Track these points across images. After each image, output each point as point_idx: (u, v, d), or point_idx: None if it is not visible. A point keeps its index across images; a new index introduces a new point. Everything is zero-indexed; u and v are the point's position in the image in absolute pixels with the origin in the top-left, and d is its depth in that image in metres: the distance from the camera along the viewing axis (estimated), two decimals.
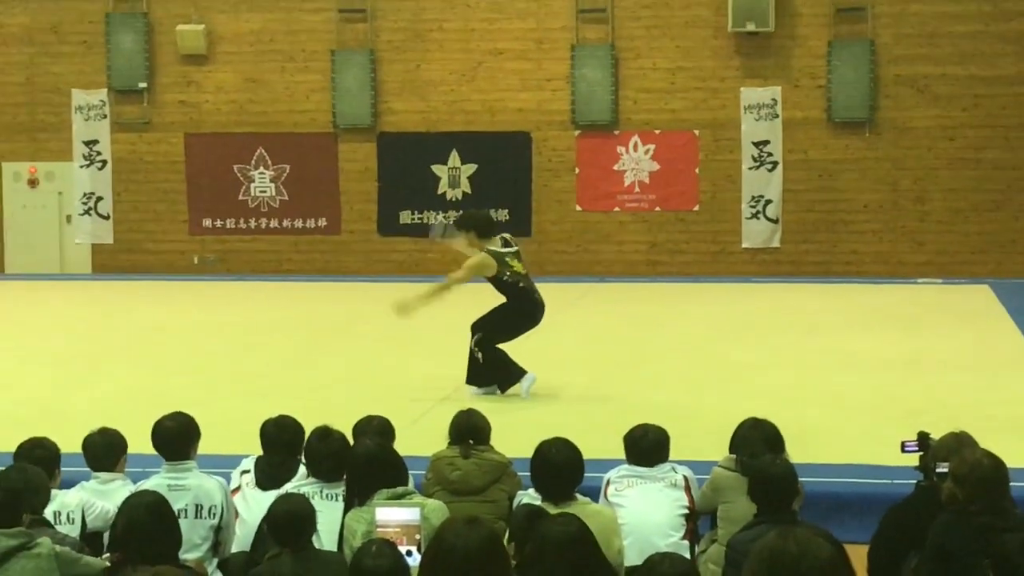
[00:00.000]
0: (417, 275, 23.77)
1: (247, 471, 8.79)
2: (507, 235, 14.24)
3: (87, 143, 24.74)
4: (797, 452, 8.31)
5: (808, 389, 13.89)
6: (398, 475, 7.65)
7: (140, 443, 8.78)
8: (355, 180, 24.42)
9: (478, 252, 13.82)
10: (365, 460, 7.65)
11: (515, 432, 9.77)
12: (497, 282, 13.90)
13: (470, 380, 13.81)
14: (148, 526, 6.46)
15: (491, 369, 13.79)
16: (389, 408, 11.38)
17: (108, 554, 7.06)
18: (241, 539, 8.33)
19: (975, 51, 23.01)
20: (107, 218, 24.83)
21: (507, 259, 13.88)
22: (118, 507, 7.08)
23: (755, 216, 23.67)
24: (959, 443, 7.51)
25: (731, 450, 8.41)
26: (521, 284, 13.95)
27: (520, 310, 14.00)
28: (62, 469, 8.30)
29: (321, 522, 7.59)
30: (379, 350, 16.37)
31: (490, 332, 13.92)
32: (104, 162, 24.73)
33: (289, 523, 6.95)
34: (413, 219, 24.38)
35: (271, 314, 19.60)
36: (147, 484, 8.03)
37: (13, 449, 8.17)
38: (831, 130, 23.48)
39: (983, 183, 23.19)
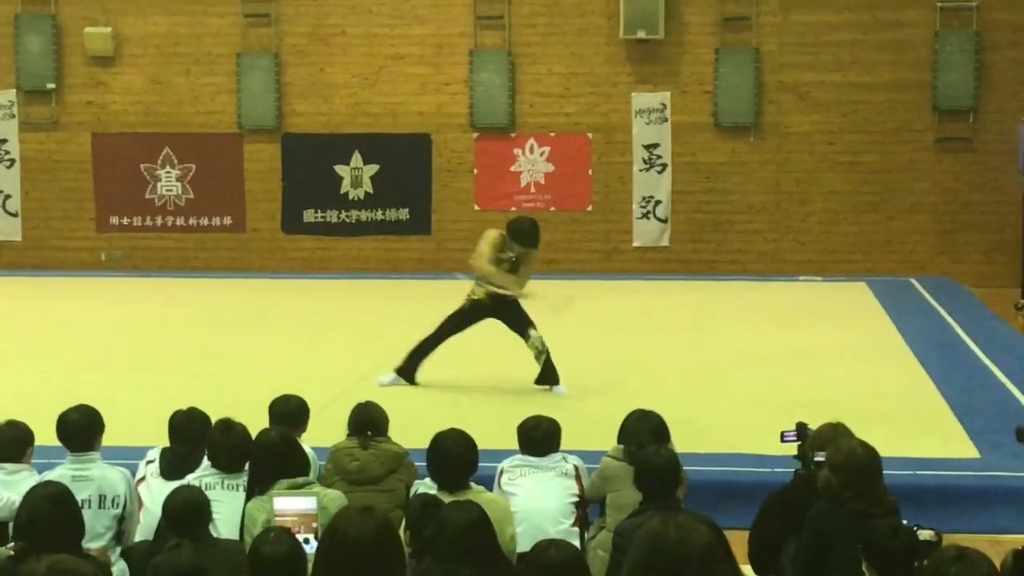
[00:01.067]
0: (319, 272, 23.72)
1: (152, 461, 8.75)
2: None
3: None
4: (683, 442, 8.39)
5: (695, 383, 14.00)
6: (300, 466, 7.63)
7: (44, 435, 8.70)
8: (260, 180, 24.26)
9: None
10: (267, 450, 7.62)
11: (411, 424, 9.77)
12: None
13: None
14: (51, 516, 6.41)
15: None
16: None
17: (12, 544, 6.98)
18: (145, 528, 8.27)
19: (853, 59, 23.26)
20: (15, 215, 24.50)
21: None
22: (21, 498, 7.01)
23: (645, 216, 23.79)
24: (835, 433, 7.61)
25: (619, 440, 8.48)
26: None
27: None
28: None
29: (222, 512, 7.57)
30: (282, 345, 16.30)
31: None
32: (13, 161, 24.40)
33: (184, 513, 6.93)
34: (316, 217, 24.27)
35: (178, 310, 19.45)
36: (51, 475, 7.96)
37: None
38: (718, 134, 23.64)
39: (861, 185, 23.44)
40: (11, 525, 7.80)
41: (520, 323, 13.92)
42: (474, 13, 23.76)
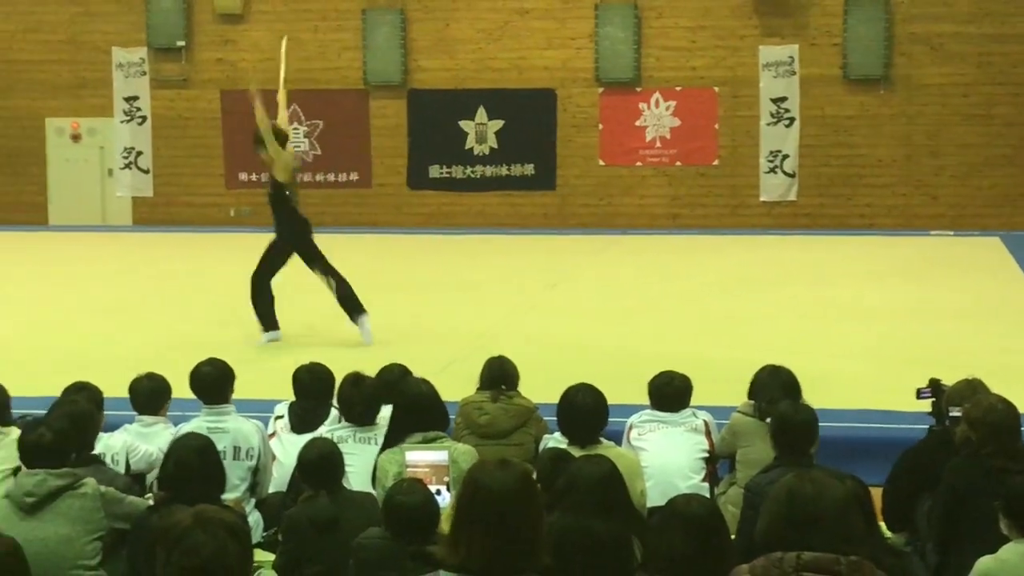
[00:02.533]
0: (445, 227, 23.81)
1: (281, 416, 8.86)
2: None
3: (127, 99, 24.74)
4: (812, 398, 8.30)
5: (823, 338, 13.87)
6: (441, 420, 7.66)
7: (178, 388, 8.82)
8: (386, 136, 24.39)
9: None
10: (415, 400, 7.63)
11: (541, 379, 9.78)
12: (279, 192, 14.02)
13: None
14: (196, 468, 6.50)
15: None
16: (420, 354, 11.46)
17: (154, 493, 7.10)
18: (277, 480, 8.38)
19: (987, 10, 22.83)
20: (147, 172, 24.85)
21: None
22: (166, 448, 7.12)
23: (773, 171, 23.59)
24: (972, 389, 7.51)
25: (750, 396, 8.43)
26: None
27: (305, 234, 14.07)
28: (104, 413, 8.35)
29: (354, 464, 7.63)
30: (410, 299, 16.38)
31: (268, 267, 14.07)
32: (144, 118, 24.73)
33: (320, 466, 6.99)
34: (441, 173, 24.35)
35: (302, 265, 19.58)
36: (187, 427, 8.07)
37: (59, 394, 8.20)
38: (847, 87, 23.36)
39: (995, 139, 23.05)
40: (148, 476, 7.99)
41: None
42: None
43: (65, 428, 7.01)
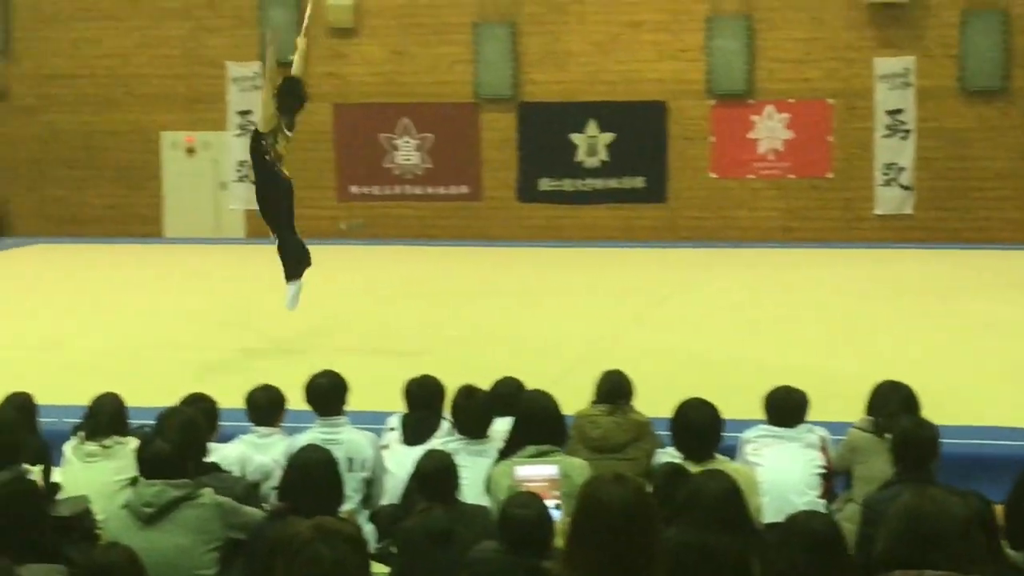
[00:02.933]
0: (555, 240, 23.81)
1: (393, 428, 8.89)
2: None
3: (241, 113, 25.00)
4: (932, 414, 8.19)
5: (942, 353, 13.70)
6: (560, 433, 7.66)
7: (294, 399, 8.89)
8: (496, 148, 24.45)
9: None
10: (538, 411, 7.63)
11: (653, 392, 9.73)
12: (257, 147, 13.80)
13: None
14: (319, 480, 6.54)
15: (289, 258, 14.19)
16: (529, 367, 11.44)
17: (270, 503, 7.16)
18: (389, 492, 8.41)
19: None
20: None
21: (279, 136, 13.73)
22: (287, 460, 7.17)
23: (888, 183, 23.36)
24: None
25: (868, 412, 8.34)
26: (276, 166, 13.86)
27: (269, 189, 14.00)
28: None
29: (467, 477, 7.63)
30: (519, 312, 16.40)
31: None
32: None
33: (437, 478, 7.01)
34: (552, 186, 24.37)
35: (415, 277, 19.73)
36: (303, 438, 8.12)
37: (176, 404, 8.28)
38: (964, 99, 23.08)
39: None
40: (263, 486, 8.05)
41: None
42: None
43: (182, 440, 7.08)
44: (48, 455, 8.26)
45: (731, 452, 8.24)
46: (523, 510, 6.03)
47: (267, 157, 13.78)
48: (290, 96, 13.82)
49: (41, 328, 15.53)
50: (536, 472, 7.23)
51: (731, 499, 5.94)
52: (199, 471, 7.19)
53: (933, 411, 8.30)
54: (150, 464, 6.85)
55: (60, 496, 7.65)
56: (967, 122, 23.03)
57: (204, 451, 7.72)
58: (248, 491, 7.46)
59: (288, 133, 13.87)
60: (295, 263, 14.21)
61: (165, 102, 25.11)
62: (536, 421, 7.58)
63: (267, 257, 21.99)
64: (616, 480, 4.91)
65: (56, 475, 8.10)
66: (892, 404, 8.11)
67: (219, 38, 24.90)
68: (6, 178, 25.66)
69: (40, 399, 8.73)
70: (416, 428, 8.73)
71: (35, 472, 7.35)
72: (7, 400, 8.37)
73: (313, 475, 6.56)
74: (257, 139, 13.90)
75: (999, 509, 7.16)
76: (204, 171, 25.21)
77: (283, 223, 14.20)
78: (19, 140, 25.54)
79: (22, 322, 15.97)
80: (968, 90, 22.95)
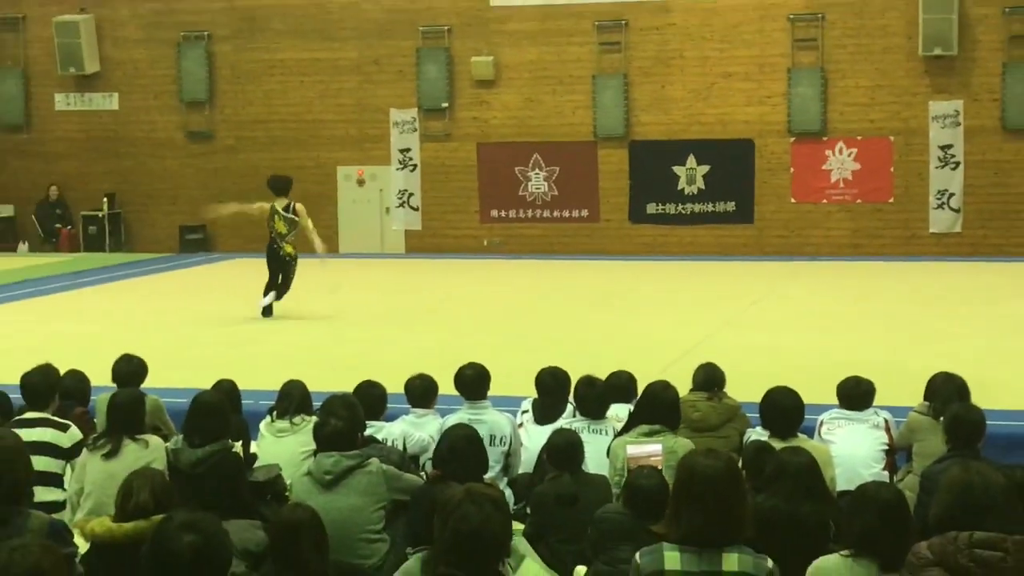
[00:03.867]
0: (661, 255, 23.72)
1: (526, 411, 8.91)
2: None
3: (402, 151, 25.21)
4: (980, 400, 8.04)
5: (989, 349, 13.43)
6: (674, 417, 7.64)
7: (444, 386, 8.94)
8: (611, 179, 24.40)
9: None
10: (654, 397, 7.61)
11: (745, 381, 9.66)
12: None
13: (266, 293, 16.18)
14: (465, 451, 6.58)
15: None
16: (640, 361, 11.43)
17: (427, 471, 7.20)
18: (524, 463, 8.43)
19: None
20: (417, 210, 25.28)
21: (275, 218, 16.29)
22: (438, 434, 7.21)
23: (941, 207, 22.96)
24: None
25: (926, 398, 8.24)
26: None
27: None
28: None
29: (589, 451, 7.65)
30: (630, 315, 16.36)
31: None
32: (415, 166, 25.18)
33: (565, 451, 7.02)
34: (657, 210, 24.26)
35: (544, 287, 19.75)
36: (453, 418, 8.17)
37: (351, 389, 8.36)
38: (1005, 136, 22.64)
39: None
40: (422, 458, 8.10)
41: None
42: (792, 37, 23.36)
43: (354, 417, 7.15)
44: (247, 431, 8.41)
45: (810, 432, 8.15)
46: (647, 480, 6.03)
47: (271, 234, 16.37)
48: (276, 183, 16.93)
49: (241, 328, 15.76)
50: (643, 451, 7.21)
51: (811, 471, 5.89)
52: (362, 443, 7.25)
53: (981, 398, 8.16)
54: (328, 439, 6.92)
55: (256, 465, 7.78)
56: (1007, 155, 22.58)
57: (363, 427, 7.77)
58: (402, 459, 7.51)
59: (284, 214, 16.40)
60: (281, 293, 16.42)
61: (339, 142, 25.39)
62: (652, 406, 7.57)
63: (425, 268, 22.23)
64: (709, 453, 4.90)
65: (253, 447, 8.24)
66: (946, 392, 8.00)
67: (384, 89, 25.12)
68: (212, 205, 26.03)
69: (241, 385, 8.87)
70: (546, 411, 8.75)
71: (236, 446, 7.47)
72: (215, 385, 8.52)
73: (460, 447, 6.59)
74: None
75: None
76: (372, 199, 25.44)
77: (270, 280, 16.36)
78: (223, 174, 25.97)
79: (226, 323, 16.22)
80: (1008, 128, 22.51)
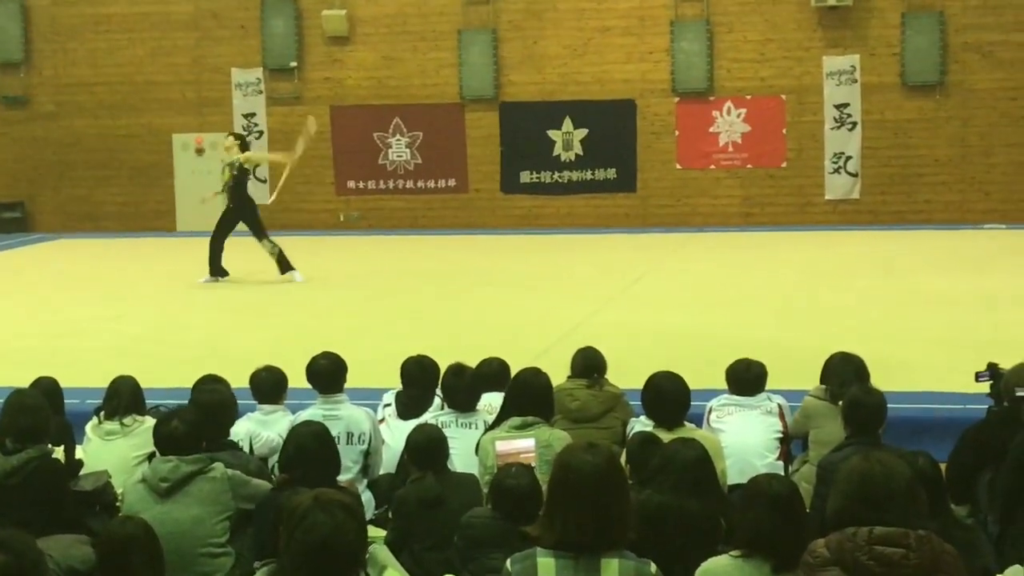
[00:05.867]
0: (536, 228, 23.79)
1: (388, 404, 8.84)
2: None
3: (246, 116, 24.92)
4: (880, 382, 8.18)
5: (890, 325, 13.69)
6: (547, 408, 7.64)
7: (296, 378, 8.84)
8: (480, 145, 24.41)
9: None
10: (527, 389, 7.60)
11: (626, 366, 9.71)
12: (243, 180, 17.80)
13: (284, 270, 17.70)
14: (314, 452, 6.50)
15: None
16: (513, 346, 11.44)
17: (275, 475, 7.11)
18: (386, 463, 8.37)
19: None
20: (264, 182, 24.98)
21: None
22: (285, 434, 7.13)
23: (837, 171, 23.37)
24: None
25: (822, 381, 8.34)
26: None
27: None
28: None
29: (457, 448, 7.62)
30: (502, 295, 16.37)
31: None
32: (261, 132, 24.91)
33: (427, 449, 6.98)
34: (532, 178, 24.34)
35: (408, 264, 19.70)
36: (304, 414, 8.08)
37: (190, 385, 8.22)
38: (905, 93, 23.10)
39: None
40: (270, 460, 8.00)
41: (258, 228, 17.82)
42: None
43: (196, 419, 7.02)
44: (71, 434, 8.22)
45: (698, 420, 8.22)
46: (516, 480, 6.01)
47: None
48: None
49: (63, 317, 15.45)
50: (513, 446, 7.20)
51: (701, 465, 5.93)
52: (218, 448, 7.13)
53: (881, 379, 8.30)
54: (165, 443, 6.81)
55: (82, 472, 7.62)
56: (908, 114, 23.05)
57: (227, 428, 7.64)
58: (261, 468, 7.41)
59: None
60: (285, 259, 17.89)
61: (175, 107, 25.02)
62: (524, 395, 7.56)
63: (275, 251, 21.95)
64: (587, 448, 4.89)
65: (78, 452, 8.06)
66: (843, 373, 8.10)
67: (224, 47, 24.83)
68: (29, 179, 25.55)
69: (63, 382, 8.67)
70: (410, 404, 8.69)
71: (58, 451, 7.31)
72: (34, 384, 8.32)
73: (308, 447, 6.52)
74: (244, 173, 17.87)
75: (943, 468, 7.16)
76: (213, 170, 25.03)
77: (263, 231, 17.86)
78: (41, 143, 25.43)
79: (46, 312, 15.90)
80: (908, 85, 22.97)
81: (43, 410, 7.20)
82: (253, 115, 24.91)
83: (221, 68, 24.87)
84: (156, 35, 24.97)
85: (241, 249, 19.38)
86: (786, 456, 8.34)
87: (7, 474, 6.76)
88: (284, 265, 17.75)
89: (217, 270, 17.75)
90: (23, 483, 6.70)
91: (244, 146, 18.15)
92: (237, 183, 17.76)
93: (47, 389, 8.20)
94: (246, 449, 8.05)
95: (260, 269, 18.97)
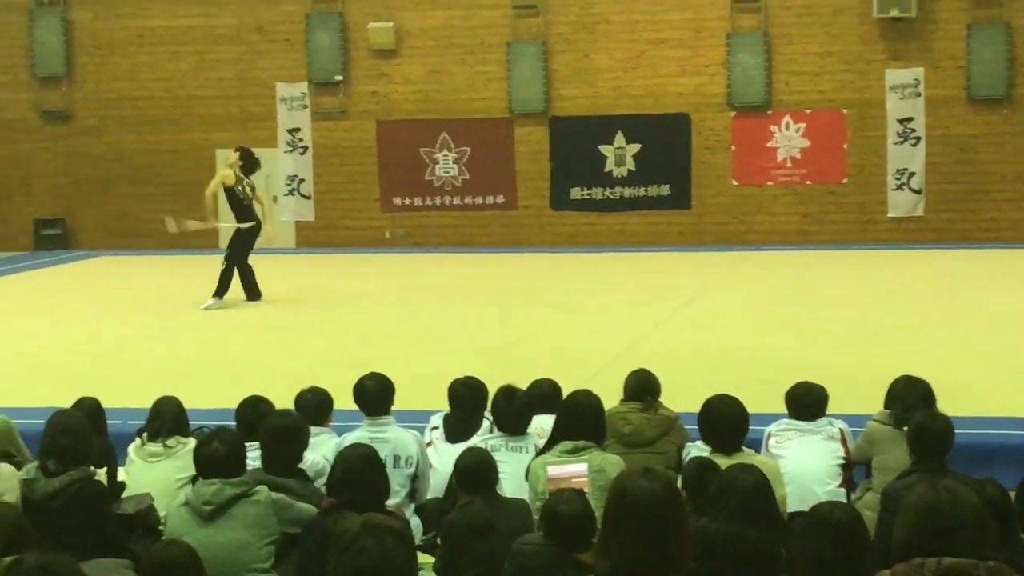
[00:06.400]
0: (587, 246, 23.77)
1: (436, 427, 8.85)
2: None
3: (290, 131, 25.05)
4: (945, 405, 8.12)
5: (957, 347, 13.58)
6: (600, 430, 7.62)
7: (341, 400, 8.86)
8: (529, 160, 24.43)
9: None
10: (577, 410, 7.58)
11: (682, 389, 9.69)
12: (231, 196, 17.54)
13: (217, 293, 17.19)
14: (362, 475, 6.50)
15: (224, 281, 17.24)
16: (564, 367, 11.42)
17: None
18: (434, 487, 8.38)
19: None
20: (309, 198, 25.13)
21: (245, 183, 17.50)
22: (331, 457, 7.13)
23: (900, 188, 23.25)
24: None
25: (886, 405, 8.29)
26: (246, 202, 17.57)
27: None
28: None
29: (507, 472, 7.61)
30: (553, 315, 16.35)
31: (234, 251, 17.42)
32: (305, 148, 25.03)
33: (476, 473, 6.97)
34: (582, 195, 24.33)
35: (456, 283, 19.72)
36: (351, 437, 8.10)
37: (234, 406, 8.26)
38: (970, 107, 22.96)
39: None
40: (317, 483, 8.00)
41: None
42: None
43: (237, 440, 7.05)
44: (114, 456, 8.28)
45: (756, 445, 8.19)
46: (569, 506, 5.99)
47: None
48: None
49: (105, 336, 15.57)
50: (565, 471, 7.19)
51: (760, 491, 5.89)
52: (288, 476, 7.10)
53: (947, 403, 8.24)
54: (208, 465, 6.83)
55: (124, 495, 7.67)
56: (974, 129, 22.91)
57: (297, 458, 7.44)
58: (320, 497, 7.37)
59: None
60: (225, 285, 17.45)
61: (218, 121, 25.16)
62: (575, 419, 7.55)
63: (317, 267, 22.09)
64: (645, 474, 4.87)
65: (121, 475, 8.12)
66: (909, 397, 8.06)
67: (269, 61, 24.96)
68: (70, 195, 25.76)
69: (105, 403, 8.73)
70: (459, 426, 8.71)
71: (100, 473, 7.35)
72: (76, 404, 8.38)
73: (357, 471, 6.52)
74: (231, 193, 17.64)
75: (1013, 495, 7.09)
76: (256, 186, 25.14)
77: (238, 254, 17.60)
78: (83, 159, 25.66)
79: (87, 330, 16.01)
80: (974, 98, 22.84)
81: (85, 431, 7.26)
82: (298, 130, 25.04)
83: (265, 82, 25.01)
84: (199, 49, 25.15)
85: (279, 267, 19.49)
86: (848, 483, 8.30)
87: (49, 496, 6.82)
88: (223, 288, 17.42)
89: (253, 292, 17.69)
90: (65, 506, 6.75)
91: (248, 162, 17.98)
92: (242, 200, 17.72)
93: (89, 409, 8.27)
94: None
95: (300, 287, 19.07)
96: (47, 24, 25.46)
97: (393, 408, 8.57)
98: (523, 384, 8.67)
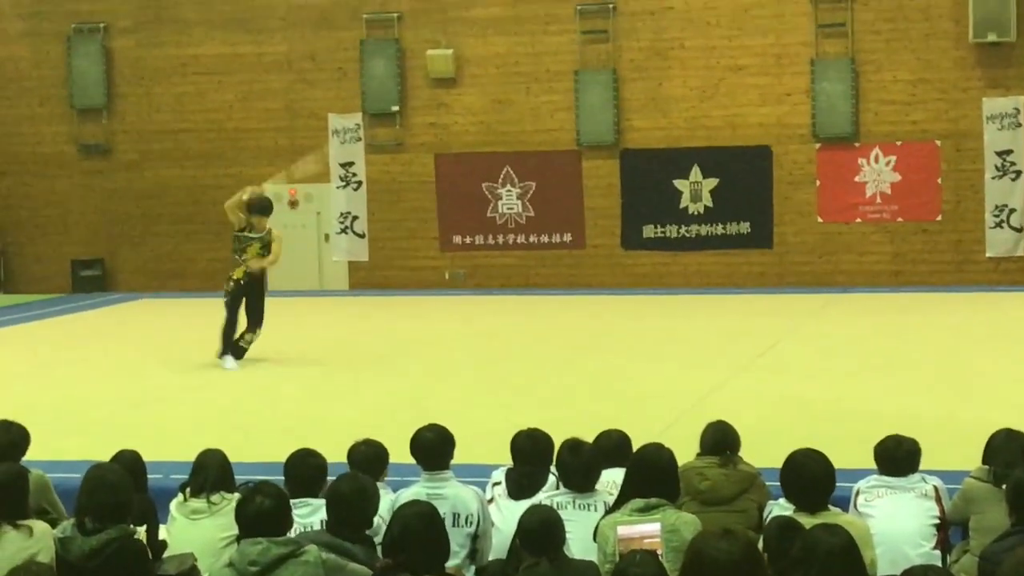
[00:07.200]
0: (660, 288, 23.75)
1: (498, 483, 8.84)
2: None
3: (343, 165, 25.23)
4: None
5: None
6: (673, 487, 7.60)
7: (397, 453, 8.87)
8: (599, 196, 24.47)
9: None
10: (648, 467, 7.56)
11: (763, 442, 9.65)
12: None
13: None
14: (421, 535, 6.49)
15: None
16: (636, 418, 11.41)
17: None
18: (496, 547, 8.36)
19: None
20: (363, 236, 25.27)
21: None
22: (389, 515, 7.13)
23: (999, 225, 23.10)
24: None
25: (984, 461, 8.22)
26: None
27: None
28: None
29: (574, 532, 7.58)
30: (624, 362, 16.34)
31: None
32: (359, 183, 25.19)
33: (541, 533, 6.95)
34: (656, 233, 24.34)
35: (520, 327, 19.74)
36: (408, 493, 8.10)
37: (283, 459, 8.28)
38: None
39: None
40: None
41: (258, 310, 16.82)
42: (815, 21, 23.50)
43: (281, 493, 7.06)
44: (154, 513, 8.32)
45: (844, 504, 8.13)
46: (640, 569, 5.97)
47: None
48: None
49: (145, 384, 15.68)
50: (636, 531, 7.17)
51: (848, 554, 5.84)
52: (356, 541, 7.09)
53: None
54: (252, 521, 6.84)
55: (166, 555, 7.70)
56: None
57: (367, 523, 7.32)
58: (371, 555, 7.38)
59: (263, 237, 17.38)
60: (229, 340, 16.84)
61: (268, 155, 25.35)
62: (646, 474, 7.52)
63: (371, 310, 22.18)
64: (724, 535, 4.86)
65: (162, 533, 8.15)
66: (1009, 453, 7.99)
67: (320, 91, 25.16)
68: (110, 234, 26.03)
69: (146, 456, 8.79)
70: (522, 482, 8.68)
71: (140, 531, 7.40)
72: (115, 458, 8.43)
73: (415, 530, 6.52)
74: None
75: None
76: (307, 223, 25.42)
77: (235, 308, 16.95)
78: (123, 195, 25.92)
79: (126, 378, 16.14)
80: None
81: (125, 486, 7.30)
82: (351, 164, 25.21)
83: (317, 113, 25.20)
84: (247, 78, 25.40)
85: (331, 310, 19.56)
86: (944, 545, 8.23)
87: (86, 556, 6.86)
88: (227, 346, 16.72)
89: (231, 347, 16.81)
90: (103, 566, 6.79)
91: (258, 209, 17.54)
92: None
93: (129, 463, 8.32)
94: None
95: (353, 331, 19.14)
96: (86, 52, 25.80)
97: (453, 462, 8.57)
98: (590, 437, 8.65)
